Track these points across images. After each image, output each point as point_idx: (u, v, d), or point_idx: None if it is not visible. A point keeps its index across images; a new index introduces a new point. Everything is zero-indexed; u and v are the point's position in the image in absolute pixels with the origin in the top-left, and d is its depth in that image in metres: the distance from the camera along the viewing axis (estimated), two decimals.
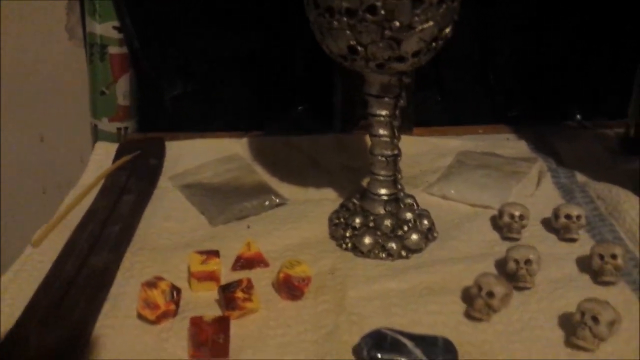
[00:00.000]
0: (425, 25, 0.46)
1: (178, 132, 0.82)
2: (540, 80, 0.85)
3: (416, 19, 0.46)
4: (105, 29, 0.79)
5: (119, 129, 0.83)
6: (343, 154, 0.74)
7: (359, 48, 0.48)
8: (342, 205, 0.61)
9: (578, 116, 0.82)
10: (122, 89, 0.82)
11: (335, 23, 0.47)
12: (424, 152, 0.75)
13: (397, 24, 0.46)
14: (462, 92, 0.86)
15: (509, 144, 0.76)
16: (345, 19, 0.46)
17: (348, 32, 0.47)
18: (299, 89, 0.86)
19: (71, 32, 0.88)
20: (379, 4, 0.45)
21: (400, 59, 0.48)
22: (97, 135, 0.84)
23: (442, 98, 0.86)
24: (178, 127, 0.83)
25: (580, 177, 0.66)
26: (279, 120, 0.86)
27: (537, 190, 0.65)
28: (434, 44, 0.49)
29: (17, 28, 0.87)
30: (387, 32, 0.46)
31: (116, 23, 0.79)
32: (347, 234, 0.57)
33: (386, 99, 0.53)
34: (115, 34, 0.80)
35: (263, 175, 0.70)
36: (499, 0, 0.82)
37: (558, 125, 0.81)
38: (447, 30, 0.49)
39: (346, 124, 0.79)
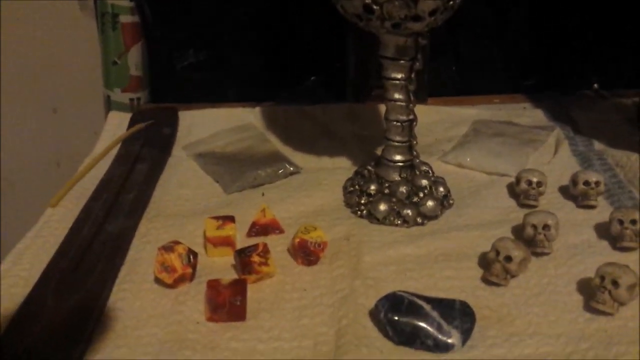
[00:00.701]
0: None
1: (191, 103, 0.81)
2: (558, 48, 0.83)
3: None
4: None
5: (131, 99, 0.83)
6: (356, 123, 0.73)
7: (375, 7, 0.47)
8: (356, 173, 0.60)
9: (595, 85, 0.80)
10: (134, 59, 0.81)
11: None
12: (438, 121, 0.74)
13: None
14: (477, 61, 0.85)
15: (525, 113, 0.75)
16: None
17: None
18: (311, 59, 0.85)
19: (82, 3, 0.87)
20: None
21: (417, 18, 0.47)
22: (110, 106, 0.84)
23: (457, 67, 0.85)
24: (191, 98, 0.83)
25: (598, 145, 0.65)
26: (292, 90, 0.85)
27: (554, 158, 0.64)
28: (451, 2, 0.48)
29: (28, 1, 0.87)
30: None
31: None
32: (362, 201, 0.57)
33: (402, 62, 0.53)
34: (127, 2, 0.79)
35: (276, 144, 0.70)
36: None
37: (576, 94, 0.80)
38: None
39: (359, 94, 0.78)
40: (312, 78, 0.86)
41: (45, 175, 0.98)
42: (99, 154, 0.66)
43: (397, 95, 0.54)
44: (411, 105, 0.55)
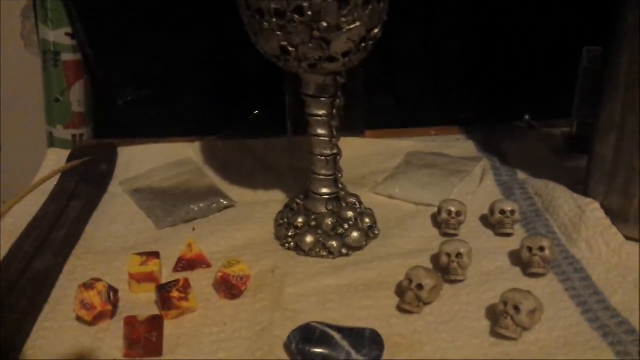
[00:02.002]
0: (353, 26, 0.48)
1: (133, 138, 0.82)
2: (490, 81, 0.87)
3: (343, 19, 0.47)
4: (58, 35, 0.79)
5: (74, 136, 0.84)
6: (294, 156, 0.74)
7: (290, 48, 0.49)
8: (286, 206, 0.62)
9: (527, 116, 0.84)
10: (76, 96, 0.82)
11: (266, 24, 0.48)
12: (374, 153, 0.76)
13: (325, 24, 0.47)
14: (414, 95, 0.87)
15: (457, 145, 0.78)
16: (274, 20, 0.47)
17: (278, 32, 0.48)
18: (254, 93, 0.86)
19: (27, 40, 0.88)
20: (305, 4, 0.46)
21: (331, 59, 0.50)
22: (52, 142, 0.84)
23: (396, 101, 0.88)
24: (134, 134, 0.84)
25: (522, 175, 0.68)
26: (235, 124, 0.86)
27: (478, 188, 0.66)
28: (363, 45, 0.50)
29: None
30: (316, 33, 0.47)
31: (69, 29, 0.80)
32: (290, 234, 0.58)
33: (322, 99, 0.54)
34: (68, 41, 0.80)
35: (214, 178, 0.71)
36: (446, 3, 0.83)
37: (508, 125, 0.83)
38: (376, 31, 0.50)
39: (297, 127, 0.80)
40: (256, 112, 0.88)
41: None
42: (27, 189, 0.66)
43: (320, 131, 0.56)
44: (334, 140, 0.57)
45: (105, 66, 0.83)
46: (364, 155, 0.75)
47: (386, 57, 0.84)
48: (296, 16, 0.47)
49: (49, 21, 0.79)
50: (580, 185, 0.62)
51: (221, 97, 0.86)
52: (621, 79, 0.54)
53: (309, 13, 0.46)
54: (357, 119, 0.81)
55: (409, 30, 0.84)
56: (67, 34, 0.80)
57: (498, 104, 0.87)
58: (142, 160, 0.74)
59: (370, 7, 0.48)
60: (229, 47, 0.84)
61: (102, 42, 0.81)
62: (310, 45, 0.48)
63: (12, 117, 0.93)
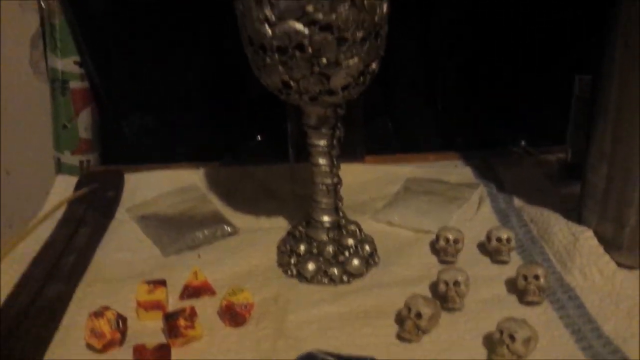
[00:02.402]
0: (351, 62, 0.50)
1: (139, 164, 0.84)
2: (487, 107, 0.89)
3: (342, 55, 0.49)
4: (66, 64, 0.82)
5: (81, 161, 0.86)
6: (296, 183, 0.76)
7: (292, 83, 0.51)
8: (288, 233, 0.63)
9: (523, 142, 0.86)
10: (83, 123, 0.84)
11: (269, 60, 0.50)
12: (373, 179, 0.78)
13: (325, 60, 0.49)
14: (413, 120, 0.90)
15: (455, 171, 0.79)
16: (277, 56, 0.50)
17: (280, 67, 0.50)
18: (256, 120, 0.89)
19: (35, 67, 0.90)
20: (306, 42, 0.48)
21: (331, 92, 0.52)
22: (60, 167, 0.86)
23: (394, 126, 0.90)
24: (140, 159, 0.86)
25: (518, 202, 0.69)
26: (238, 150, 0.89)
27: (476, 215, 0.68)
28: (361, 79, 0.52)
29: None
30: (316, 68, 0.50)
31: (77, 58, 0.82)
32: (292, 261, 0.60)
33: (323, 130, 0.57)
34: (76, 69, 0.82)
35: (218, 205, 0.73)
36: (444, 29, 0.86)
37: (504, 151, 0.85)
38: (374, 65, 0.53)
39: (300, 153, 0.82)
40: (258, 138, 0.90)
41: None
42: (38, 218, 0.67)
43: (321, 161, 0.58)
44: (335, 169, 0.59)
45: (112, 94, 0.85)
46: (364, 182, 0.77)
47: (385, 83, 0.87)
48: (298, 52, 0.49)
49: (57, 50, 0.81)
50: (575, 212, 0.63)
51: (224, 122, 0.89)
52: (610, 110, 0.56)
53: (310, 50, 0.48)
54: (356, 145, 0.83)
55: (407, 57, 0.87)
56: (75, 63, 0.82)
57: (495, 129, 0.89)
58: (148, 187, 0.76)
59: (367, 43, 0.50)
60: (231, 74, 0.86)
61: (109, 70, 0.84)
62: (311, 79, 0.50)
63: (20, 143, 0.95)
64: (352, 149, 0.80)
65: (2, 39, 0.88)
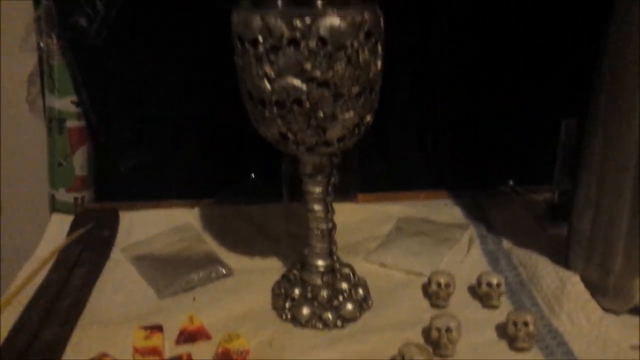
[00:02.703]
0: (347, 115, 0.52)
1: (133, 201, 0.85)
2: (476, 147, 0.91)
3: (338, 109, 0.51)
4: (64, 103, 0.83)
5: (75, 198, 0.86)
6: (290, 222, 0.78)
7: (289, 135, 0.53)
8: (283, 276, 0.64)
9: (511, 182, 0.88)
10: (79, 161, 0.85)
11: (267, 113, 0.52)
12: (366, 218, 0.79)
13: (322, 114, 0.51)
14: (404, 160, 0.91)
15: (445, 210, 0.81)
16: (275, 109, 0.51)
17: (279, 121, 0.52)
18: (250, 158, 0.90)
19: (31, 104, 0.91)
20: (304, 97, 0.50)
21: (327, 143, 0.53)
22: (54, 204, 0.86)
23: (386, 165, 0.91)
24: (134, 195, 0.87)
25: (507, 244, 0.71)
26: (231, 187, 0.90)
27: (466, 257, 0.69)
28: (356, 130, 0.54)
29: None
30: (313, 121, 0.51)
31: (74, 98, 0.83)
32: (287, 305, 0.60)
33: (319, 178, 0.58)
34: (73, 108, 0.83)
35: (212, 244, 0.74)
36: (434, 72, 0.88)
37: (493, 190, 0.87)
38: (368, 117, 0.54)
39: (293, 193, 0.83)
40: (252, 175, 0.91)
41: None
42: (34, 268, 0.67)
43: (316, 207, 0.59)
44: (330, 214, 0.60)
45: (108, 132, 0.86)
46: (357, 221, 0.78)
47: (378, 125, 0.89)
48: (296, 107, 0.50)
49: (55, 90, 0.82)
50: (562, 255, 0.65)
51: (219, 160, 0.90)
52: (595, 158, 0.58)
53: (308, 104, 0.50)
54: (350, 184, 0.84)
55: (399, 100, 0.89)
56: (72, 102, 0.83)
57: (483, 169, 0.91)
58: (143, 226, 0.77)
59: (362, 98, 0.52)
60: (225, 113, 0.87)
61: (105, 109, 0.85)
62: (308, 132, 0.52)
63: (13, 178, 0.95)
64: (345, 188, 0.81)
65: (0, 77, 0.89)
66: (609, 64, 0.55)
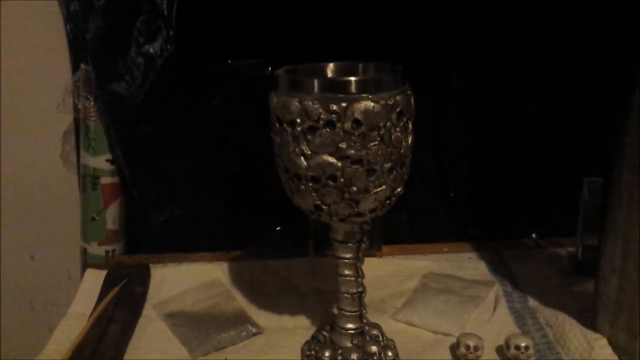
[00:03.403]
0: (379, 189, 0.54)
1: (163, 254, 0.88)
2: (498, 199, 0.93)
3: (371, 184, 0.53)
4: (99, 162, 0.86)
5: (107, 251, 0.89)
6: (317, 278, 0.79)
7: (323, 207, 0.55)
8: (313, 337, 0.66)
9: (533, 235, 0.89)
10: (111, 215, 0.88)
11: (303, 187, 0.54)
12: (391, 274, 0.81)
13: (355, 188, 0.53)
14: (426, 211, 0.93)
15: (470, 265, 0.82)
16: (310, 184, 0.53)
17: (314, 194, 0.54)
18: (277, 211, 0.92)
19: (65, 160, 0.95)
20: (338, 173, 0.52)
21: (359, 214, 0.55)
22: (86, 257, 0.89)
23: (409, 217, 0.93)
24: (164, 248, 0.89)
25: (532, 302, 0.72)
26: (258, 239, 0.92)
27: (492, 316, 0.70)
28: (387, 202, 0.56)
29: (16, 154, 0.94)
30: (347, 195, 0.53)
31: (109, 156, 0.86)
32: None
33: (350, 244, 0.60)
34: (107, 166, 0.87)
35: (241, 301, 0.75)
36: (457, 125, 0.91)
37: (515, 243, 0.88)
38: (399, 189, 0.56)
39: (319, 247, 0.85)
40: (278, 228, 0.93)
41: (20, 318, 1.02)
42: (78, 332, 0.69)
43: (347, 272, 0.61)
44: (360, 279, 0.62)
45: (140, 187, 0.89)
46: (382, 276, 0.80)
47: None
48: (330, 182, 0.53)
49: (90, 149, 0.85)
50: (588, 313, 0.66)
51: (246, 213, 0.92)
52: (620, 225, 0.59)
53: (342, 180, 0.52)
54: (375, 238, 0.86)
55: (422, 152, 0.91)
56: (107, 160, 0.86)
57: (505, 221, 0.93)
58: (174, 281, 0.79)
59: (394, 172, 0.54)
60: (253, 168, 0.90)
61: (138, 165, 0.88)
62: (341, 204, 0.54)
63: (45, 230, 0.98)
64: (370, 241, 0.83)
65: (36, 135, 0.93)
66: (633, 129, 0.56)
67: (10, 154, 0.94)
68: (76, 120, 0.87)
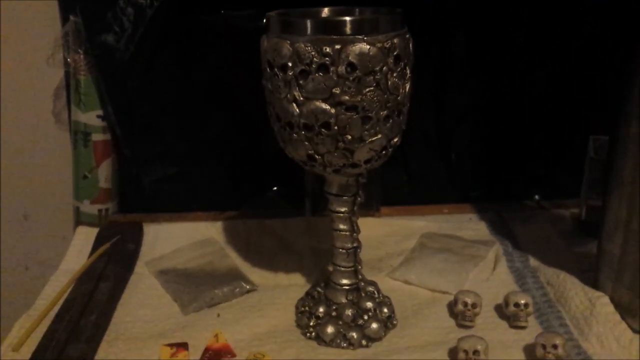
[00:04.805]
0: (375, 138, 0.51)
1: (157, 213, 0.86)
2: (500, 160, 0.90)
3: (366, 133, 0.51)
4: (90, 117, 0.84)
5: (99, 210, 0.87)
6: (313, 237, 0.77)
7: (317, 156, 0.53)
8: (307, 294, 0.64)
9: (536, 196, 0.87)
10: (103, 173, 0.86)
11: (295, 135, 0.52)
12: (389, 233, 0.79)
13: (349, 137, 0.51)
14: (427, 172, 0.91)
15: (470, 225, 0.80)
16: (303, 132, 0.51)
17: (306, 143, 0.52)
18: (273, 171, 0.90)
19: (57, 117, 0.92)
20: (332, 120, 0.50)
21: (354, 165, 0.53)
22: (79, 216, 0.87)
23: (409, 178, 0.91)
24: (157, 207, 0.87)
25: (533, 261, 0.70)
26: (254, 200, 0.90)
27: (492, 275, 0.68)
28: (384, 152, 0.54)
29: (7, 111, 0.92)
30: (341, 144, 0.51)
31: (100, 112, 0.84)
32: (312, 323, 0.60)
33: (345, 198, 0.58)
34: (99, 122, 0.84)
35: (236, 259, 0.74)
36: (459, 83, 0.88)
37: (518, 205, 0.86)
38: (396, 139, 0.54)
39: (316, 207, 0.83)
40: (274, 188, 0.91)
41: (13, 278, 1.00)
42: (62, 287, 0.68)
43: (342, 226, 0.59)
44: (355, 234, 0.60)
45: (133, 145, 0.87)
46: (380, 236, 0.78)
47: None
48: (323, 130, 0.50)
49: (81, 104, 0.83)
50: (590, 273, 0.64)
51: (241, 173, 0.90)
52: (626, 179, 0.57)
53: (335, 128, 0.50)
54: (373, 198, 0.84)
55: (422, 112, 0.88)
56: (98, 116, 0.84)
57: (508, 183, 0.90)
58: (167, 239, 0.77)
59: (390, 121, 0.52)
60: (249, 127, 0.88)
61: (130, 122, 0.86)
62: (335, 154, 0.52)
63: (38, 189, 0.97)
64: (368, 202, 0.81)
65: (27, 91, 0.90)
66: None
67: (1, 111, 0.92)
68: (67, 76, 0.84)
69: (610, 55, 0.79)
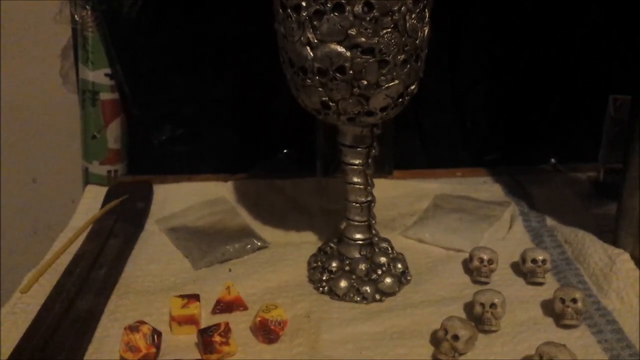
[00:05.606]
0: (391, 84, 0.50)
1: (167, 175, 0.85)
2: (516, 124, 0.89)
3: (382, 78, 0.49)
4: (98, 76, 0.82)
5: (109, 171, 0.86)
6: (324, 197, 0.76)
7: (331, 103, 0.51)
8: (320, 249, 0.63)
9: (552, 160, 0.85)
10: (112, 133, 0.85)
11: (309, 81, 0.50)
12: (402, 194, 0.78)
13: (365, 82, 0.49)
14: (441, 136, 0.89)
15: (484, 187, 0.79)
16: (317, 77, 0.50)
17: (320, 89, 0.50)
18: (284, 133, 0.89)
19: (65, 77, 0.91)
20: (347, 64, 0.48)
21: (369, 113, 0.52)
22: (88, 177, 0.86)
23: (422, 142, 0.89)
24: (167, 170, 0.86)
25: (550, 221, 0.69)
26: (264, 162, 0.89)
27: (508, 234, 0.67)
28: (400, 100, 0.52)
29: (13, 73, 0.91)
30: (356, 90, 0.50)
31: (108, 70, 0.82)
32: (324, 278, 0.59)
33: (359, 149, 0.56)
34: (107, 81, 0.83)
35: (246, 218, 0.73)
36: (475, 46, 0.86)
37: (533, 168, 0.84)
38: (413, 87, 0.52)
39: (328, 168, 0.82)
40: (285, 151, 0.90)
41: (23, 242, 1.00)
42: (70, 236, 0.67)
43: (355, 179, 0.58)
44: (369, 187, 0.58)
45: (141, 105, 0.85)
46: (393, 197, 0.77)
47: (415, 99, 0.87)
48: (338, 75, 0.49)
49: (89, 62, 0.82)
50: (609, 234, 0.63)
51: (252, 135, 0.89)
52: None
53: (351, 72, 0.48)
54: (385, 160, 0.83)
55: (437, 74, 0.86)
56: (106, 75, 0.82)
57: (523, 146, 0.88)
58: (176, 199, 0.76)
59: (408, 66, 0.50)
60: (260, 88, 0.86)
61: (139, 81, 0.84)
62: (350, 101, 0.50)
63: (47, 151, 0.96)
64: (381, 163, 0.79)
65: (34, 50, 0.89)
66: None
67: (8, 73, 0.91)
68: (74, 34, 0.83)
69: (633, 9, 0.77)
